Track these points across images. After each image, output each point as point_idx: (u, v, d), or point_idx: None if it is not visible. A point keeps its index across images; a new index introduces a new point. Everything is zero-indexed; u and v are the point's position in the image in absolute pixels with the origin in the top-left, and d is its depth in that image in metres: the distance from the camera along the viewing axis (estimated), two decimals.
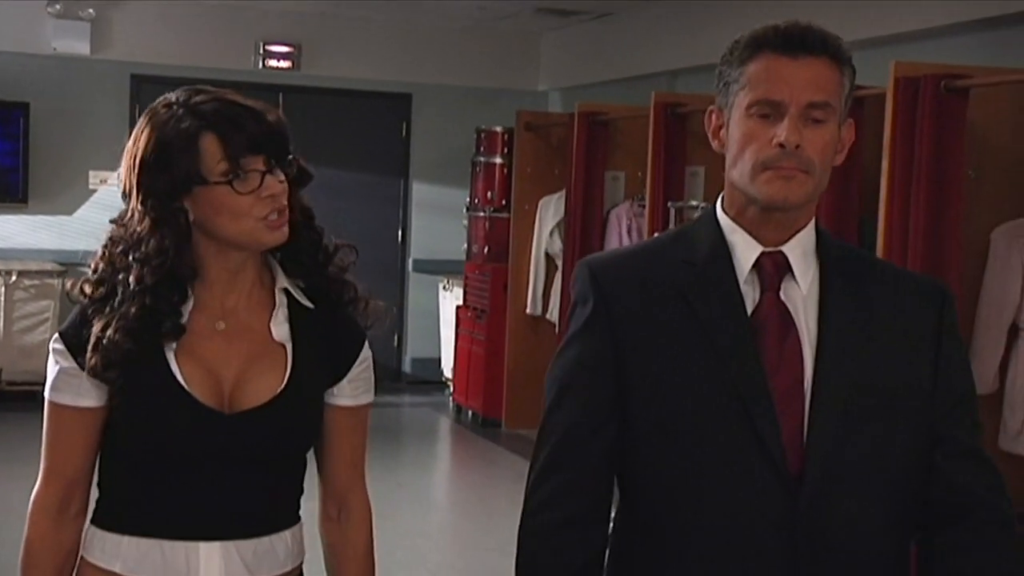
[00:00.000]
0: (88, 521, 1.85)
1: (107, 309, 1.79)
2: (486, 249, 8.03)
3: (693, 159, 6.36)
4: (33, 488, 1.85)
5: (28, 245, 8.55)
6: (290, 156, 1.83)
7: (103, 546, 1.83)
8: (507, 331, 7.74)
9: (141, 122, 1.81)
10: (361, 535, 1.96)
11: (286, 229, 1.82)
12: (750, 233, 1.73)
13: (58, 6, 8.35)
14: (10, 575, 4.86)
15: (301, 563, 1.93)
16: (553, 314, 7.44)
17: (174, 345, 1.81)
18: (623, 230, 6.80)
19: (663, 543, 1.72)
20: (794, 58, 1.65)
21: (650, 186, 6.17)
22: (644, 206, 6.36)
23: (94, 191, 8.77)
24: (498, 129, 8.05)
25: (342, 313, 1.92)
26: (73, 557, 1.85)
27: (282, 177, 1.80)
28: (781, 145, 1.64)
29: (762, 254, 1.72)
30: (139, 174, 1.78)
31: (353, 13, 8.91)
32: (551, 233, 7.58)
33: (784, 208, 1.69)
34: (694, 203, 5.72)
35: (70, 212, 8.74)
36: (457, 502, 6.89)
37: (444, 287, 8.82)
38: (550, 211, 7.58)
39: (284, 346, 1.86)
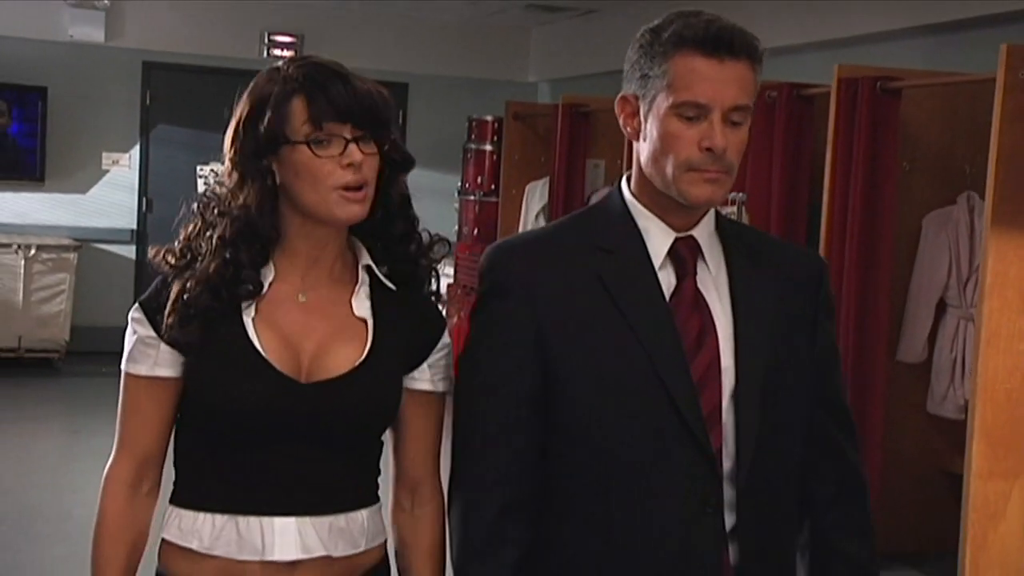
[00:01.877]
0: (168, 501, 1.84)
1: (188, 271, 1.78)
2: (476, 231, 8.48)
3: None
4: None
5: (45, 221, 9.00)
6: (391, 136, 1.79)
7: (180, 523, 1.80)
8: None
9: (251, 85, 1.82)
10: (432, 528, 1.90)
11: (365, 207, 1.77)
12: (660, 219, 1.75)
13: None
14: (15, 527, 5.41)
15: (381, 545, 1.88)
16: None
17: (253, 312, 1.77)
18: None
19: (592, 525, 1.73)
20: (720, 61, 1.66)
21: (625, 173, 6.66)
22: None
23: (107, 171, 9.25)
24: (488, 118, 8.47)
25: (424, 298, 1.89)
26: (145, 534, 1.83)
27: (371, 149, 1.76)
28: (709, 149, 1.66)
29: (676, 240, 1.75)
30: (234, 134, 1.77)
31: (353, 6, 9.35)
32: (537, 216, 8.02)
33: (706, 207, 1.74)
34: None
35: (84, 191, 9.20)
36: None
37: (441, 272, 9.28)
38: (536, 196, 8.04)
39: (365, 321, 1.82)
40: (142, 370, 1.78)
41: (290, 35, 9.43)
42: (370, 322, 1.81)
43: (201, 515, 1.78)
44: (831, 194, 4.92)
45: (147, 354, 1.78)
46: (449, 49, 9.80)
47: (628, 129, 1.75)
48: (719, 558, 1.71)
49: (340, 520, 1.80)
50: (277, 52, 9.36)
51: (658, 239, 1.74)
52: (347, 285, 1.83)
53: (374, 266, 1.84)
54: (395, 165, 1.82)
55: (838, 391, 1.87)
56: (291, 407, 1.75)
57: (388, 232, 1.84)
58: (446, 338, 1.88)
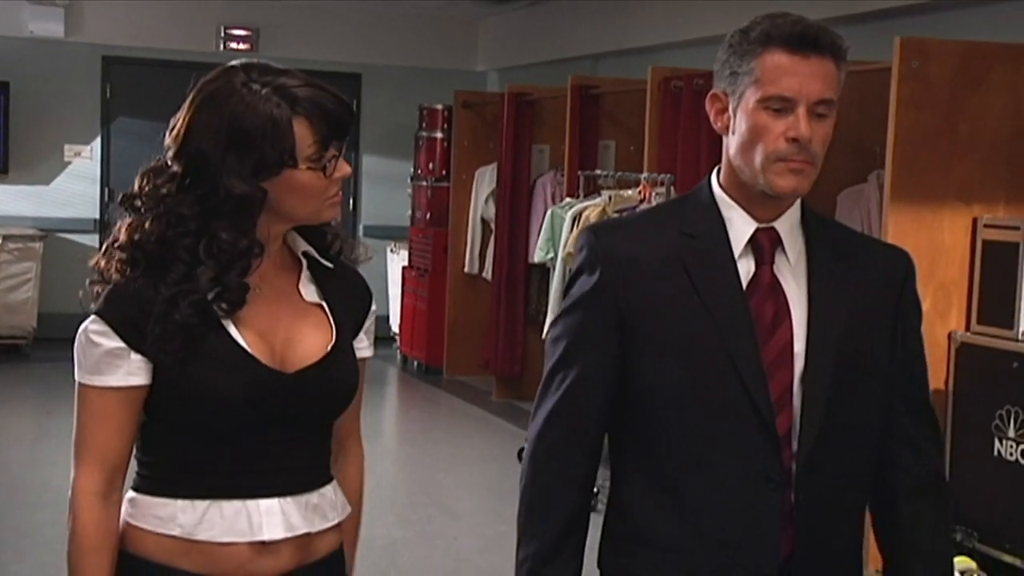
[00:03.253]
0: (132, 490, 1.83)
1: (164, 282, 1.75)
2: (428, 215, 8.83)
3: (605, 134, 7.24)
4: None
5: (10, 212, 9.26)
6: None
7: (155, 512, 1.80)
8: (447, 288, 8.56)
9: (211, 95, 1.77)
10: (356, 478, 2.01)
11: (340, 205, 1.86)
12: (746, 210, 1.81)
13: None
14: None
15: (342, 520, 1.93)
16: (487, 272, 8.30)
17: (227, 316, 1.79)
18: (547, 196, 7.64)
19: (666, 493, 1.80)
20: (806, 57, 1.72)
21: (568, 158, 7.04)
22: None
23: (69, 163, 9.53)
24: (439, 107, 8.81)
25: (350, 268, 1.95)
26: (119, 542, 1.82)
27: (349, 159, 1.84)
28: (795, 140, 1.72)
29: (757, 230, 1.81)
30: (222, 150, 1.74)
31: (307, 0, 9.67)
32: (486, 200, 8.36)
33: (792, 198, 1.79)
34: (599, 172, 6.58)
35: (47, 182, 9.48)
36: (405, 432, 7.73)
37: (391, 250, 9.61)
38: (485, 180, 8.37)
39: (321, 306, 1.87)
40: (112, 381, 1.76)
41: (246, 28, 9.72)
42: (326, 307, 1.86)
43: (180, 502, 1.78)
44: None
45: (117, 365, 1.75)
46: (401, 40, 10.10)
47: (718, 124, 1.81)
48: (779, 534, 1.77)
49: (314, 497, 1.85)
50: (233, 45, 9.64)
51: (740, 228, 1.81)
52: (291, 272, 1.87)
53: (310, 250, 1.88)
54: None
55: (923, 391, 1.91)
56: (276, 396, 1.79)
57: None
58: (373, 305, 1.97)
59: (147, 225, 1.77)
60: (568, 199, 6.61)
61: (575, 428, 1.84)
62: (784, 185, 1.74)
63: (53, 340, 8.59)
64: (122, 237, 1.78)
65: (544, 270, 6.82)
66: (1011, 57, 4.63)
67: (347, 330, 1.89)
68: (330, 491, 1.89)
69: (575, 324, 1.83)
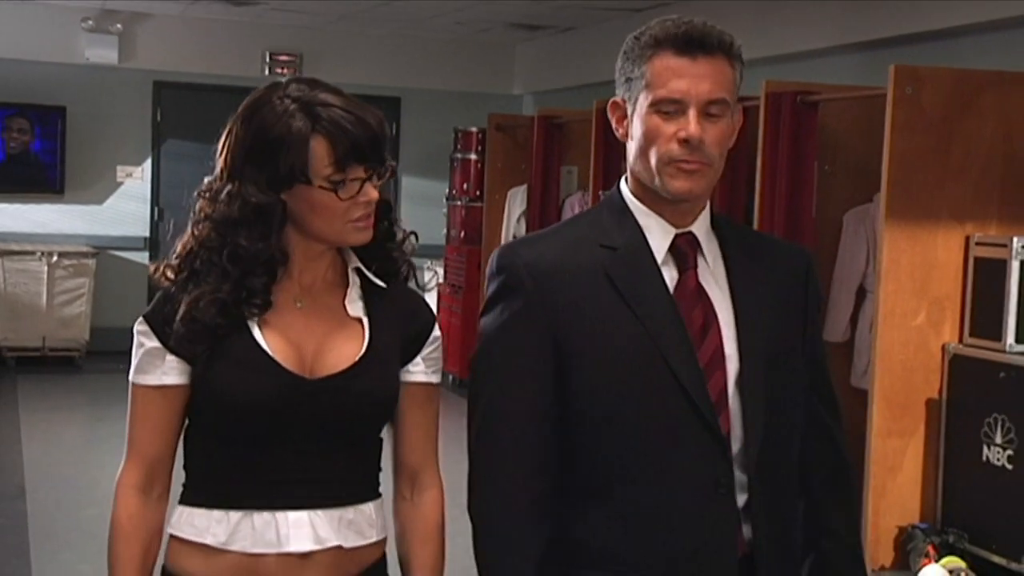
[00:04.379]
0: (177, 502, 1.87)
1: (191, 286, 1.81)
2: (462, 234, 9.12)
3: None
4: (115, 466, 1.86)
5: (64, 231, 9.69)
6: (387, 162, 1.83)
7: (192, 521, 1.83)
8: (480, 304, 8.87)
9: (248, 106, 1.81)
10: (433, 514, 1.94)
11: (371, 231, 1.83)
12: (661, 216, 1.80)
13: (91, 22, 9.49)
14: (49, 496, 6.02)
15: (384, 540, 1.92)
16: None
17: (257, 319, 1.82)
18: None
19: (613, 510, 1.77)
20: (693, 59, 1.72)
21: (592, 178, 7.33)
22: None
23: (121, 183, 9.95)
24: (473, 129, 9.10)
25: (411, 293, 1.94)
26: (159, 537, 1.86)
27: (379, 182, 1.82)
28: (686, 140, 1.71)
29: (676, 236, 1.80)
30: (244, 160, 1.79)
31: (349, 27, 9.99)
32: (518, 219, 8.59)
33: (689, 200, 1.77)
34: None
35: (101, 202, 9.90)
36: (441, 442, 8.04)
37: (427, 267, 9.96)
38: (517, 200, 8.63)
39: (360, 320, 1.86)
40: (150, 380, 1.83)
41: (290, 54, 10.09)
42: (365, 320, 1.86)
43: (216, 512, 1.82)
44: (761, 195, 5.58)
45: (154, 364, 1.82)
46: (439, 65, 10.42)
47: (619, 131, 1.81)
48: (733, 537, 1.76)
49: (349, 512, 1.84)
50: (279, 71, 10.00)
51: (659, 236, 1.79)
52: (339, 288, 1.88)
53: (363, 267, 1.89)
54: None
55: (827, 378, 1.94)
56: (300, 402, 1.79)
57: (374, 234, 1.87)
58: (436, 331, 1.93)
59: (192, 235, 1.85)
60: None
61: (530, 471, 1.77)
62: (678, 187, 1.73)
63: (105, 353, 9.03)
64: (177, 248, 1.86)
65: None
66: (1000, 83, 4.87)
67: (388, 347, 1.86)
68: (370, 508, 1.88)
69: (506, 355, 1.78)
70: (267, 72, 10.00)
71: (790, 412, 1.85)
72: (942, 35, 5.84)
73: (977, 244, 4.83)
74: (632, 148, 1.78)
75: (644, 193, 1.80)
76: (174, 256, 1.86)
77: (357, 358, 1.84)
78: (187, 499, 1.86)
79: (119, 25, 9.60)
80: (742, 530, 1.78)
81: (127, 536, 1.83)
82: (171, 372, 1.82)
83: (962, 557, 4.62)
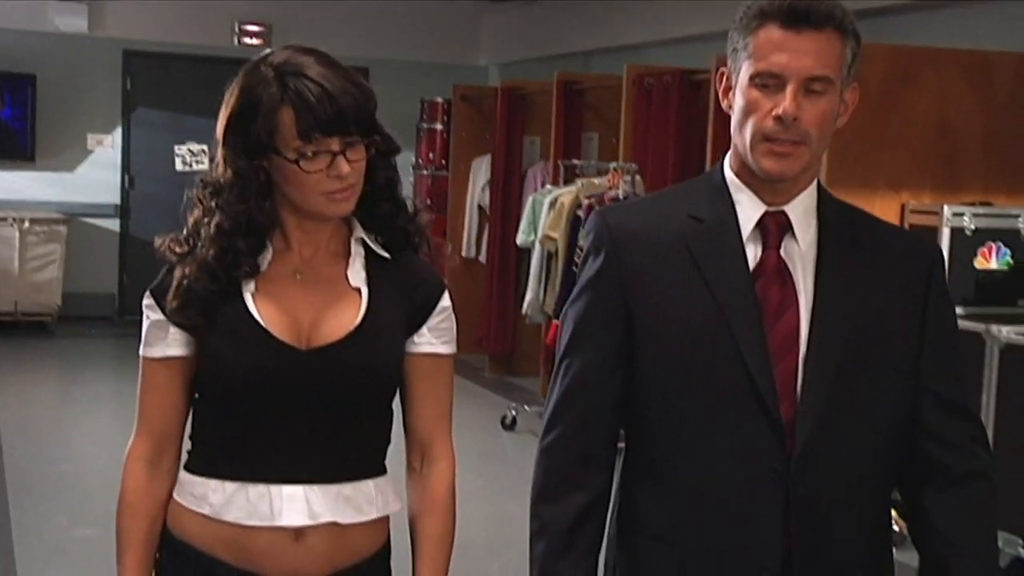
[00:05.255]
0: (182, 468, 1.88)
1: (189, 258, 1.82)
2: (429, 202, 9.24)
3: (589, 127, 7.76)
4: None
5: (36, 198, 9.80)
6: (375, 133, 1.80)
7: (192, 490, 1.84)
8: (445, 271, 9.06)
9: (240, 75, 1.81)
10: (443, 485, 1.92)
11: (351, 203, 1.81)
12: (755, 192, 1.74)
13: None
14: (25, 452, 6.25)
15: (386, 520, 1.91)
16: (484, 256, 8.81)
17: (252, 288, 1.81)
18: (537, 185, 8.12)
19: (666, 483, 1.75)
20: (798, 32, 1.65)
21: (553, 149, 7.55)
22: None
23: (91, 151, 10.06)
24: (439, 100, 9.27)
25: (420, 263, 1.91)
26: (165, 508, 1.87)
27: (358, 155, 1.78)
28: (779, 117, 1.65)
29: (765, 213, 1.74)
30: (226, 127, 1.80)
31: None
32: (483, 188, 8.81)
33: (780, 181, 1.71)
34: (576, 162, 7.10)
35: (71, 169, 10.01)
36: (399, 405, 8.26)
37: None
38: (482, 170, 8.82)
39: (359, 290, 1.84)
40: (155, 352, 1.84)
41: (259, 24, 10.18)
42: (365, 290, 1.83)
43: (213, 482, 1.82)
44: (712, 163, 5.80)
45: (159, 336, 1.83)
46: (406, 36, 10.54)
47: (724, 102, 1.76)
48: (780, 528, 1.71)
49: (347, 488, 1.82)
50: (247, 40, 10.11)
51: (748, 211, 1.74)
52: (342, 258, 1.86)
53: (367, 238, 1.87)
54: (382, 152, 1.83)
55: (953, 384, 1.80)
56: (292, 373, 1.78)
57: (375, 212, 1.86)
58: (445, 301, 1.90)
59: (201, 197, 1.85)
60: (548, 186, 7.12)
61: (579, 420, 1.78)
62: (768, 166, 1.68)
63: (76, 318, 9.24)
64: (189, 220, 1.86)
65: None
66: (936, 60, 5.13)
67: (389, 316, 1.84)
68: (370, 485, 1.85)
69: (581, 310, 1.79)
70: (236, 42, 10.11)
71: (867, 409, 1.74)
72: (883, 12, 6.09)
73: (912, 212, 5.08)
74: (733, 120, 1.74)
75: (742, 168, 1.75)
76: (185, 228, 1.86)
77: (353, 328, 1.82)
78: (189, 466, 1.88)
79: None
80: (791, 521, 1.71)
81: (134, 509, 1.85)
82: (174, 344, 1.83)
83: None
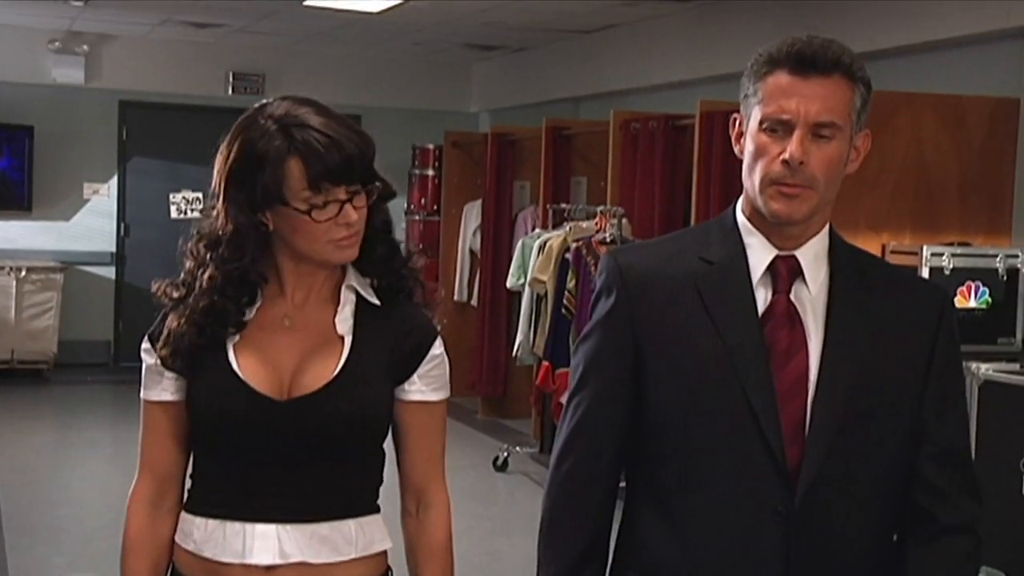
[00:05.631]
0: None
1: (182, 306, 1.85)
2: (420, 247, 9.40)
3: (577, 171, 7.88)
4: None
5: (32, 247, 9.90)
6: (376, 181, 1.83)
7: (183, 526, 1.89)
8: (437, 315, 9.18)
9: (236, 127, 1.83)
10: (439, 530, 1.94)
11: (356, 249, 1.83)
12: (766, 236, 1.75)
13: (58, 43, 9.74)
14: (25, 494, 6.28)
15: (375, 556, 1.90)
16: (476, 300, 8.90)
17: (236, 338, 1.84)
18: (528, 228, 8.22)
19: (671, 520, 1.75)
20: (806, 78, 1.67)
21: (543, 193, 7.67)
22: None
23: (88, 200, 10.18)
24: (430, 146, 9.40)
25: (412, 311, 1.91)
26: (169, 549, 1.90)
27: (362, 203, 1.81)
28: (786, 161, 1.66)
29: (776, 257, 1.74)
30: (226, 180, 1.81)
31: (310, 47, 10.26)
32: (474, 233, 8.93)
33: (788, 224, 1.72)
34: (564, 205, 7.21)
35: (68, 218, 10.12)
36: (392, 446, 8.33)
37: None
38: (473, 214, 8.94)
39: (343, 338, 1.85)
40: (152, 396, 1.89)
41: (253, 75, 10.33)
42: (348, 338, 1.84)
43: (198, 519, 1.86)
44: (696, 206, 5.95)
45: (155, 380, 1.88)
46: (398, 84, 10.72)
47: (737, 148, 1.78)
48: (782, 568, 1.71)
49: (323, 528, 1.83)
50: (242, 90, 10.24)
51: (759, 255, 1.75)
52: (332, 304, 1.87)
53: (357, 286, 1.88)
54: (379, 198, 1.86)
55: (954, 436, 1.80)
56: (269, 423, 1.81)
57: (371, 255, 1.87)
58: (437, 348, 1.90)
59: (192, 255, 1.88)
60: (538, 230, 7.24)
61: (588, 455, 1.80)
62: (776, 209, 1.69)
63: (72, 365, 9.32)
64: (187, 265, 1.89)
65: None
66: (912, 104, 5.26)
67: (372, 364, 1.85)
68: (351, 525, 1.86)
69: (592, 348, 1.81)
70: (231, 92, 10.25)
71: (874, 455, 1.74)
72: (861, 57, 6.23)
73: (892, 252, 5.19)
74: (744, 165, 1.75)
75: (753, 212, 1.76)
76: (180, 276, 1.88)
77: (331, 377, 1.83)
78: (184, 505, 1.92)
79: (85, 46, 9.85)
80: (791, 565, 1.71)
81: (136, 550, 1.89)
82: (169, 388, 1.87)
83: None
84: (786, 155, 1.67)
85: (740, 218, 1.79)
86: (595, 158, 7.68)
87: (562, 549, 1.80)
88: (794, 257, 1.75)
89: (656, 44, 7.86)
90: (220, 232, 1.82)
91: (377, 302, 1.88)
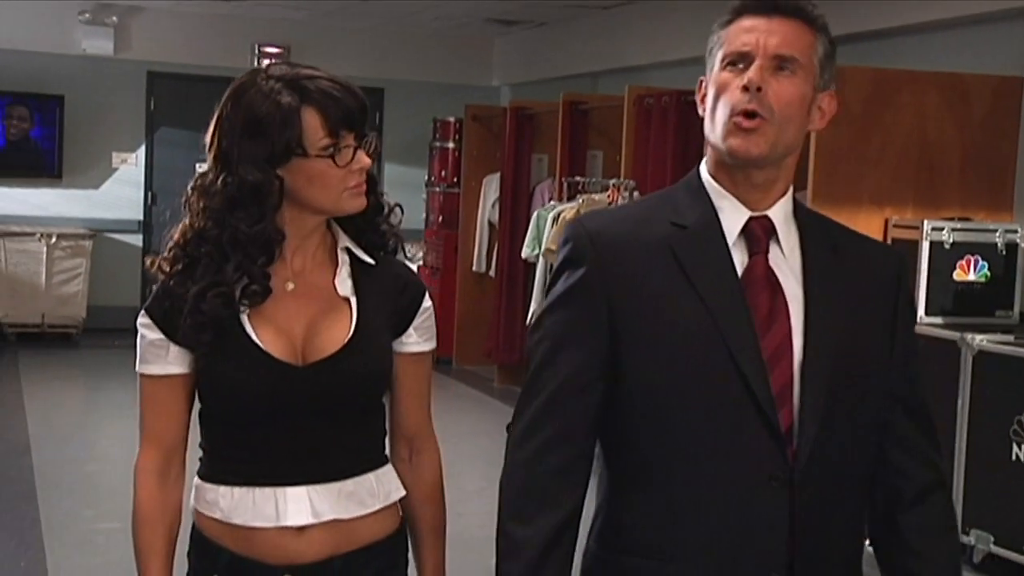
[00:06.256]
0: (196, 474, 1.94)
1: (193, 278, 1.85)
2: (440, 219, 9.55)
3: (594, 145, 8.03)
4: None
5: (63, 214, 10.15)
6: (371, 132, 1.88)
7: (205, 495, 1.91)
8: (457, 285, 9.32)
9: (233, 92, 1.84)
10: (431, 474, 2.01)
11: (364, 198, 1.88)
12: (736, 196, 1.72)
13: (87, 15, 9.96)
14: (54, 453, 6.48)
15: (394, 506, 1.97)
16: (494, 271, 9.07)
17: (247, 309, 1.86)
18: (544, 201, 8.39)
19: (656, 497, 1.70)
20: (768, 17, 1.68)
21: (559, 166, 7.83)
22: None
23: (116, 169, 10.43)
24: (451, 119, 9.53)
25: (401, 266, 1.98)
26: (178, 516, 1.94)
27: (367, 150, 1.86)
28: (745, 88, 1.64)
29: (750, 219, 1.72)
30: (237, 143, 1.82)
31: (334, 21, 10.44)
32: (493, 205, 9.07)
33: (746, 161, 1.67)
34: (579, 179, 7.37)
35: (97, 186, 10.37)
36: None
37: (409, 251, 10.38)
38: (492, 187, 9.08)
39: (348, 300, 1.89)
40: (155, 370, 1.89)
41: (278, 47, 10.51)
42: (353, 300, 1.89)
43: (222, 488, 1.89)
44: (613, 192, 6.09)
45: (158, 355, 1.88)
46: (420, 58, 10.88)
47: (701, 108, 1.74)
48: (783, 533, 1.67)
49: (348, 484, 1.89)
50: (267, 62, 10.36)
51: (732, 217, 1.72)
52: (329, 267, 1.91)
53: (352, 247, 1.92)
54: (374, 151, 1.91)
55: (919, 392, 1.83)
56: (291, 390, 1.85)
57: (362, 212, 1.90)
58: (427, 301, 1.98)
59: (188, 225, 1.88)
60: (552, 202, 7.40)
61: (558, 434, 1.71)
62: (735, 144, 1.66)
63: (101, 330, 9.56)
64: (173, 239, 1.89)
65: None
66: (915, 82, 5.39)
67: (377, 323, 1.90)
68: (371, 479, 1.92)
69: (560, 322, 1.73)
70: (256, 63, 10.34)
71: (858, 417, 1.74)
72: (865, 36, 6.36)
73: (894, 226, 5.34)
74: (707, 115, 1.72)
75: (720, 172, 1.73)
76: (167, 249, 1.89)
77: (346, 340, 1.87)
78: (203, 475, 1.94)
79: (114, 18, 10.06)
80: (794, 528, 1.67)
81: (148, 520, 1.91)
82: (174, 362, 1.88)
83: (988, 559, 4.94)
84: (744, 81, 1.65)
85: (706, 178, 1.75)
86: (611, 132, 7.81)
87: (526, 542, 1.70)
88: (767, 217, 1.73)
89: (673, 20, 7.98)
90: (236, 195, 1.83)
91: (372, 262, 1.93)
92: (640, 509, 1.71)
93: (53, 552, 4.73)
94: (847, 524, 1.76)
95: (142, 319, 1.89)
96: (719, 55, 1.70)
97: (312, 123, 1.80)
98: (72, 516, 5.23)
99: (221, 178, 1.84)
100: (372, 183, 1.91)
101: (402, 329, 1.94)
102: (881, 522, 1.81)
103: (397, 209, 1.98)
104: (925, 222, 5.20)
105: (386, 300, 1.92)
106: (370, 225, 1.94)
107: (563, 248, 1.76)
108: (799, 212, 1.77)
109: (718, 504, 1.67)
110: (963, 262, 5.25)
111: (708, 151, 1.75)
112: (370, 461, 1.94)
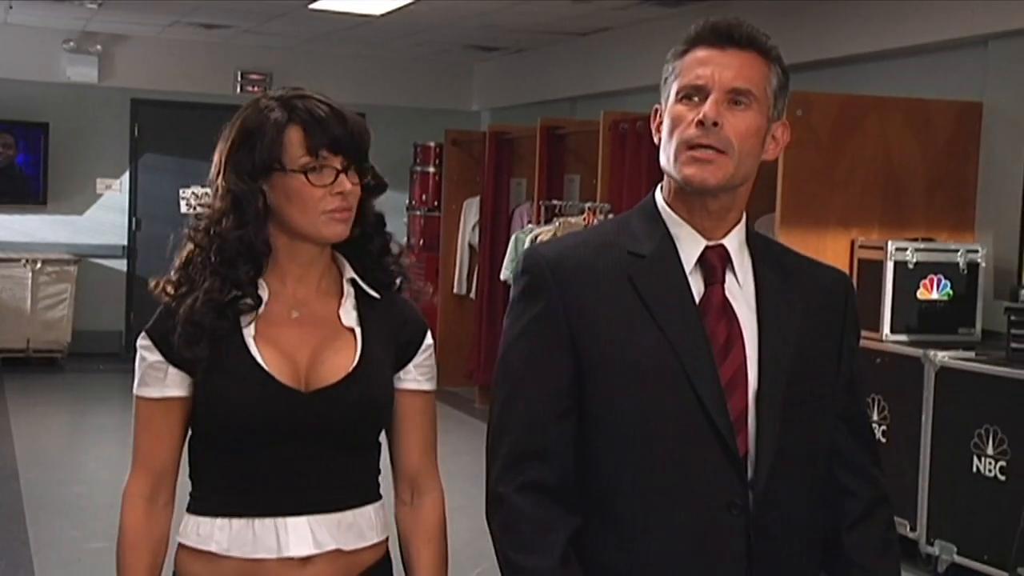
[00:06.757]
0: (185, 511, 1.91)
1: (189, 299, 1.85)
2: (422, 241, 9.69)
3: (571, 168, 8.18)
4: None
5: (48, 239, 10.24)
6: (368, 164, 1.89)
7: (198, 530, 1.87)
8: (439, 307, 9.46)
9: (237, 115, 1.90)
10: (433, 517, 1.98)
11: (347, 227, 1.86)
12: (692, 226, 1.73)
13: (72, 43, 10.07)
14: (41, 476, 6.61)
15: (386, 540, 1.96)
16: (475, 293, 9.20)
17: (253, 330, 1.86)
18: (523, 224, 8.53)
19: (619, 524, 1.71)
20: (722, 49, 1.68)
21: (537, 190, 7.98)
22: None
23: (101, 195, 10.52)
24: (431, 144, 9.71)
25: (405, 303, 1.98)
26: (164, 544, 1.90)
27: (356, 180, 1.86)
28: (700, 123, 1.65)
29: (706, 248, 1.73)
30: (227, 154, 1.86)
31: (316, 47, 10.57)
32: (473, 228, 9.19)
33: (703, 190, 1.69)
34: (556, 202, 7.52)
35: (81, 212, 10.45)
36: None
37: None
38: (472, 210, 9.20)
39: (353, 330, 1.90)
40: (153, 393, 1.88)
41: (260, 73, 10.64)
42: (358, 331, 1.89)
43: (218, 520, 1.85)
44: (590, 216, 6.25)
45: (156, 377, 1.87)
46: (401, 83, 11.03)
47: (656, 137, 1.76)
48: (742, 560, 1.69)
49: (348, 516, 1.88)
50: (250, 88, 10.54)
51: (689, 246, 1.73)
52: (334, 298, 1.92)
53: (358, 279, 1.93)
54: (371, 189, 1.91)
55: (862, 410, 1.89)
56: (294, 414, 1.83)
57: (367, 248, 1.93)
58: (428, 340, 1.97)
59: (190, 246, 1.90)
60: (531, 225, 7.55)
61: (542, 462, 1.71)
62: (690, 173, 1.67)
63: (85, 354, 9.65)
64: (176, 261, 1.91)
65: None
66: (880, 107, 5.57)
67: (380, 355, 1.90)
68: (370, 511, 1.92)
69: (527, 351, 1.73)
70: (239, 90, 10.55)
71: (811, 440, 1.77)
72: (831, 63, 6.54)
73: (860, 247, 5.50)
74: (661, 145, 1.73)
75: (676, 199, 1.75)
76: (173, 271, 1.90)
77: (350, 369, 1.87)
78: (193, 508, 1.90)
79: (99, 46, 10.18)
80: (751, 557, 1.69)
81: (134, 545, 1.88)
82: (172, 385, 1.87)
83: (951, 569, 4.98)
84: (700, 116, 1.66)
85: (662, 205, 1.77)
86: (588, 157, 7.94)
87: (541, 564, 1.68)
88: (723, 246, 1.75)
89: (650, 46, 8.15)
90: (219, 204, 1.86)
91: (377, 295, 1.93)
92: (603, 533, 1.71)
93: (42, 571, 4.83)
94: (804, 552, 1.78)
95: (142, 340, 1.89)
96: (674, 87, 1.71)
97: (294, 140, 1.82)
98: (60, 536, 5.32)
99: (214, 191, 1.90)
100: (380, 223, 1.95)
101: (402, 365, 1.95)
102: (828, 540, 1.84)
103: (407, 250, 2.02)
104: (889, 243, 5.36)
105: (389, 334, 1.93)
106: (378, 264, 1.96)
107: (521, 278, 1.77)
108: (752, 239, 1.79)
109: (679, 529, 1.68)
110: (927, 281, 5.41)
111: (665, 179, 1.77)
112: (368, 495, 1.94)
